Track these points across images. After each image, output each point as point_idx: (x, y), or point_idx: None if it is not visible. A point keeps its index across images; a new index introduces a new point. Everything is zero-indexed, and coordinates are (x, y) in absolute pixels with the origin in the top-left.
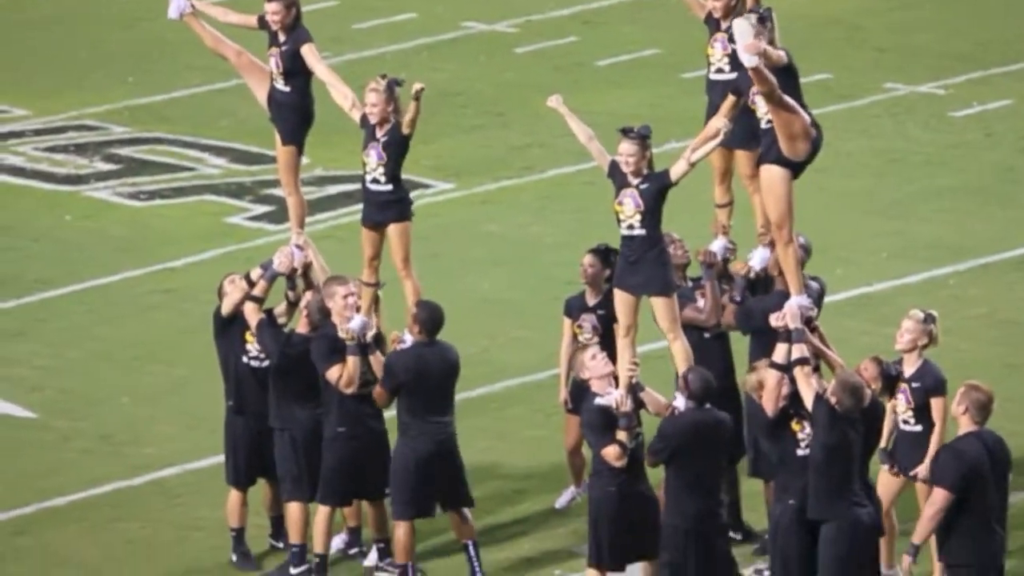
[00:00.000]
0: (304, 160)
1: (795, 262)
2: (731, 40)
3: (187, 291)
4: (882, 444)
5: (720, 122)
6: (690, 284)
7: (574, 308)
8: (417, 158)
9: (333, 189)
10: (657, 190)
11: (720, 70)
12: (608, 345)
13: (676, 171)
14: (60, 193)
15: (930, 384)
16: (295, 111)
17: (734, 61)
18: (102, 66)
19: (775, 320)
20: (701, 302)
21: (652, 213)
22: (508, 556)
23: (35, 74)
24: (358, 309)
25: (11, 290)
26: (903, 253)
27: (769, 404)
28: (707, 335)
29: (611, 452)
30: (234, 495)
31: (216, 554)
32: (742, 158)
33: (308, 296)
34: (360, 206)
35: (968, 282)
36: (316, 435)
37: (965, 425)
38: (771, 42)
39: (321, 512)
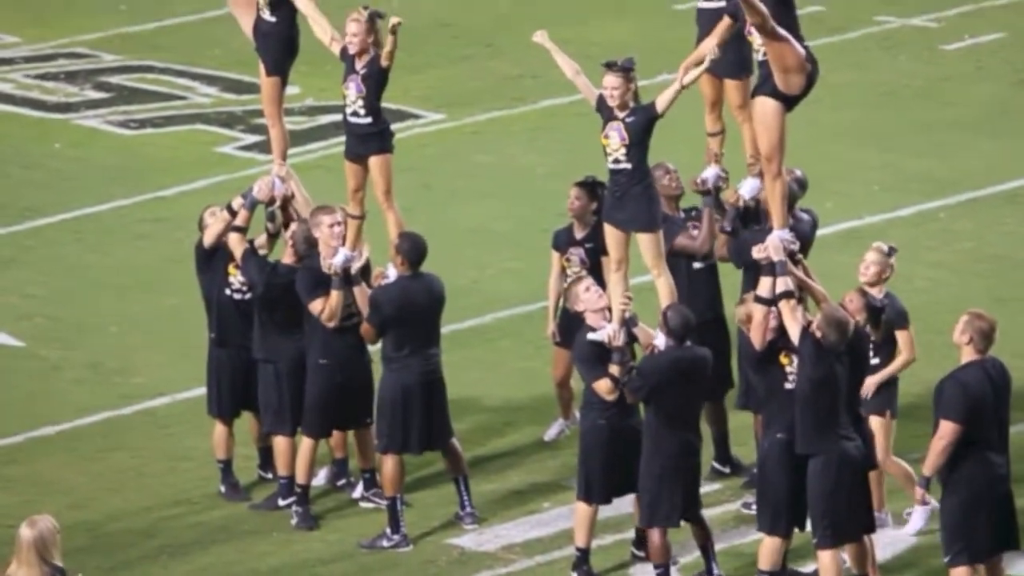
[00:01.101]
0: (294, 90)
1: (781, 196)
2: None
3: (177, 220)
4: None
5: (711, 43)
6: (682, 215)
7: (562, 241)
8: (407, 88)
9: (324, 119)
10: (643, 122)
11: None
12: (596, 278)
13: (662, 101)
14: (50, 121)
15: (893, 316)
16: (280, 41)
17: None
18: None
19: (757, 252)
20: (695, 232)
21: (638, 146)
22: (496, 489)
23: (25, 0)
24: (344, 240)
25: (0, 218)
26: (893, 186)
27: (756, 338)
28: (696, 265)
29: (603, 386)
30: (220, 427)
31: (205, 484)
32: (732, 88)
33: (293, 227)
34: None
35: (958, 215)
36: (300, 367)
37: (968, 354)
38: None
39: (305, 443)
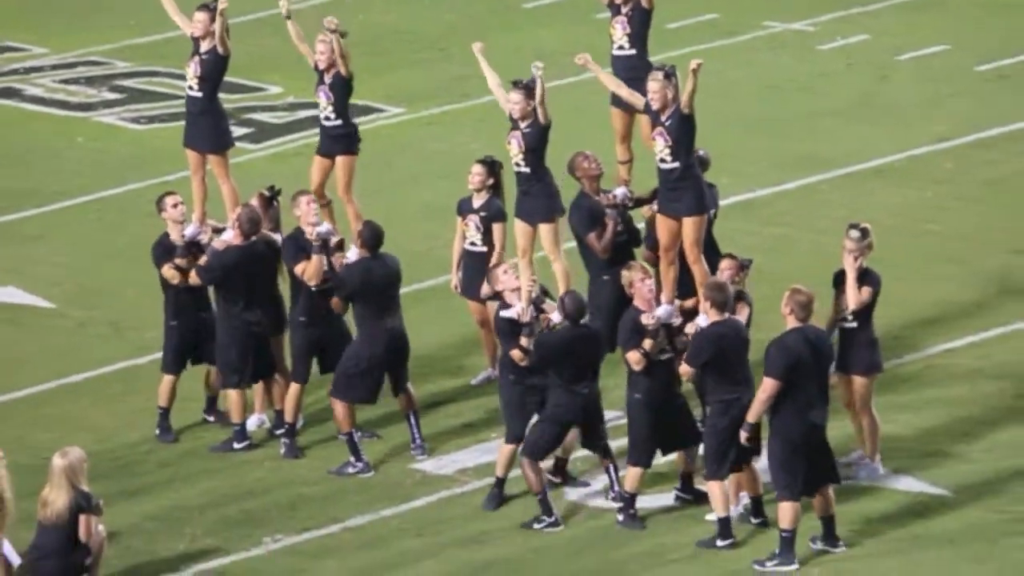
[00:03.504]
0: (277, 89)
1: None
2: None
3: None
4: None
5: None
6: (605, 199)
7: (464, 208)
8: (373, 87)
9: (302, 113)
10: (537, 133)
11: (621, 47)
12: (487, 242)
13: (542, 114)
14: (74, 118)
15: (877, 287)
16: (211, 115)
17: (631, 40)
18: (108, 11)
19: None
20: (603, 233)
21: (533, 152)
22: (452, 422)
23: (53, 18)
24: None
25: (33, 200)
26: (780, 164)
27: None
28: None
29: (516, 354)
30: (168, 379)
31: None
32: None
33: (238, 210)
34: None
35: (835, 188)
36: (249, 331)
37: (791, 322)
38: (674, 97)
39: (292, 388)
